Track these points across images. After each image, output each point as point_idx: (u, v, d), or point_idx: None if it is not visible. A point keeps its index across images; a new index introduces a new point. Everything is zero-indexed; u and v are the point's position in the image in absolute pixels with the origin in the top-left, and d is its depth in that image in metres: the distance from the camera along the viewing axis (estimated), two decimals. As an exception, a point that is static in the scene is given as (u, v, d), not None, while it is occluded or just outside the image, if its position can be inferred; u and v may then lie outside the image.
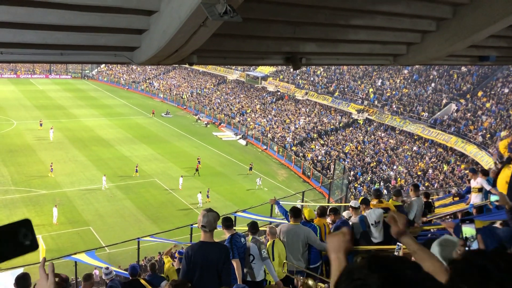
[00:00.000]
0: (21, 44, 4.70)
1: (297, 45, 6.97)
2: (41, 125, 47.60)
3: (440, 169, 36.07)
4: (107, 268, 7.95)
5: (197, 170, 37.51)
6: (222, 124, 57.17)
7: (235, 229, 6.12)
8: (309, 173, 40.02)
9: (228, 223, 5.79)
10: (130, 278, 7.60)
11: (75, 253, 15.05)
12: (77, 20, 4.29)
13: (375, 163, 39.20)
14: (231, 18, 4.37)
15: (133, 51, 5.68)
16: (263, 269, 5.95)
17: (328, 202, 26.13)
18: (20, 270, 12.56)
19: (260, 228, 10.70)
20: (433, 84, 46.33)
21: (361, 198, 8.31)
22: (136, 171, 35.49)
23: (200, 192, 32.09)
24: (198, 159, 38.75)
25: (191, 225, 18.99)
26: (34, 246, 1.66)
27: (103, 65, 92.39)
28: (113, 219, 28.49)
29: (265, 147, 47.92)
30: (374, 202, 7.76)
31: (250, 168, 38.93)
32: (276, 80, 62.25)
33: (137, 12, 4.77)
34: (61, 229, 26.55)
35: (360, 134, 45.13)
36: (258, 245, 5.95)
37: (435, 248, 2.71)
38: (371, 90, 49.88)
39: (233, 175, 38.75)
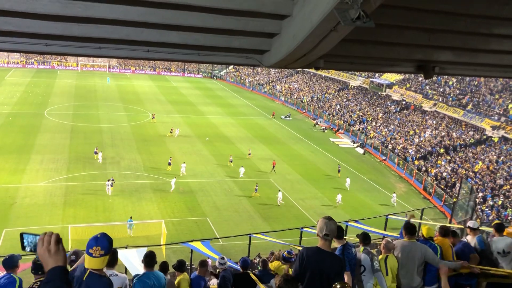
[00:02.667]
0: (165, 44, 5.15)
1: (431, 53, 6.59)
2: (153, 117, 52.09)
3: None
4: (222, 258, 8.32)
5: (273, 167, 38.46)
6: (340, 131, 56.39)
7: (345, 239, 6.01)
8: (431, 190, 37.53)
9: (341, 233, 5.69)
10: (241, 270, 7.86)
11: (191, 241, 16.07)
12: (215, 23, 4.58)
13: (509, 186, 35.31)
14: (363, 23, 4.29)
15: (263, 54, 5.88)
16: (372, 282, 5.74)
17: (450, 223, 24.23)
18: (144, 249, 13.80)
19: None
20: None
21: (496, 221, 7.51)
22: (256, 190, 33.65)
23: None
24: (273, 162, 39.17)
25: (302, 228, 19.06)
26: None
27: (231, 67, 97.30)
28: (228, 213, 29.81)
29: (384, 158, 46.11)
30: (511, 229, 6.99)
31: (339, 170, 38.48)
32: (402, 89, 59.53)
33: (271, 16, 4.93)
34: (181, 217, 28.52)
35: (493, 153, 41.02)
36: (371, 256, 5.75)
37: None
38: (510, 106, 45.07)
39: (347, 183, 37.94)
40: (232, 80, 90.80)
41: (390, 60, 7.11)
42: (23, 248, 2.42)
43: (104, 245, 3.19)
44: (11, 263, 6.30)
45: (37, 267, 6.15)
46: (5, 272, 6.24)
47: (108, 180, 30.88)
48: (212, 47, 5.37)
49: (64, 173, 33.55)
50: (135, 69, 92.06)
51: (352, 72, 70.07)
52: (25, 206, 27.75)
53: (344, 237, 6.23)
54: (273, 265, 9.12)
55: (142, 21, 4.34)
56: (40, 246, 2.11)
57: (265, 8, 4.62)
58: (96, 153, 37.32)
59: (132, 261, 13.55)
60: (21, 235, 2.44)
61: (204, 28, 4.87)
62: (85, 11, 4.13)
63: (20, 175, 32.32)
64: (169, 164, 36.31)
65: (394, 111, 57.36)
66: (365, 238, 6.39)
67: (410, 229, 6.31)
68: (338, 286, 3.73)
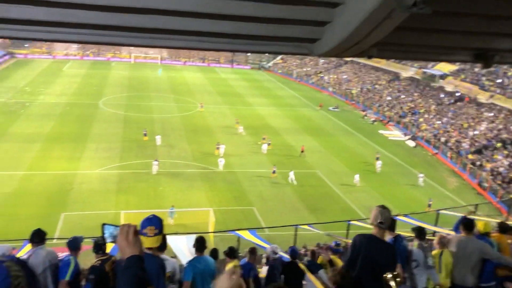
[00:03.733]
0: (216, 34, 5.20)
1: (491, 41, 6.26)
2: (201, 107, 53.30)
3: None
4: (276, 247, 8.40)
5: (302, 151, 39.02)
6: (390, 123, 54.97)
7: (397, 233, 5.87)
8: (485, 185, 35.93)
9: (393, 225, 5.58)
10: (290, 259, 7.90)
11: (238, 229, 16.32)
12: (267, 12, 4.58)
13: None
14: (420, 10, 4.15)
15: (314, 42, 5.81)
16: (425, 277, 5.59)
17: (507, 221, 23.12)
18: (193, 236, 14.14)
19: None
20: None
21: None
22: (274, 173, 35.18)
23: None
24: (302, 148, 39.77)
25: (348, 221, 18.86)
26: None
27: (278, 58, 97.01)
28: (274, 203, 29.94)
29: (436, 151, 44.55)
30: None
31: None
32: (457, 80, 57.12)
33: (323, 4, 4.86)
34: (228, 206, 28.94)
35: (556, 148, 38.66)
36: (425, 252, 5.60)
37: None
38: None
39: (397, 177, 37.05)
40: (279, 71, 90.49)
41: (446, 49, 6.83)
42: (103, 238, 2.58)
43: (158, 224, 3.37)
44: (74, 244, 6.68)
45: (97, 247, 6.49)
46: (67, 253, 6.62)
47: (155, 160, 32.93)
48: (263, 36, 5.37)
49: (118, 161, 34.87)
50: (186, 61, 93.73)
51: (404, 62, 67.97)
52: (82, 192, 29.13)
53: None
54: (320, 258, 9.10)
55: (195, 11, 4.41)
56: (120, 236, 2.25)
57: (318, -5, 4.56)
58: (145, 135, 39.94)
59: (181, 247, 13.92)
60: (103, 225, 2.60)
61: (256, 17, 4.88)
62: (139, 2, 4.25)
63: (76, 163, 33.92)
64: (217, 148, 37.71)
65: (447, 103, 55.18)
66: (420, 232, 6.22)
67: (468, 225, 6.05)
68: (389, 276, 3.66)
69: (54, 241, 19.85)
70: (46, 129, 41.41)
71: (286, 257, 9.96)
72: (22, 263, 1.60)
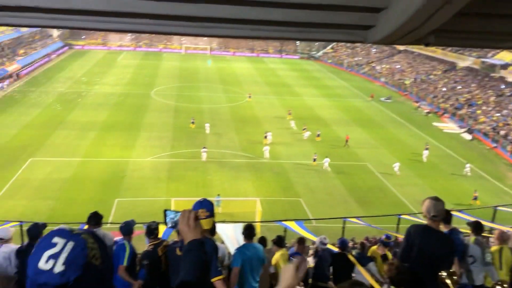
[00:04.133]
0: (267, 22, 5.14)
1: None
2: (249, 97, 53.84)
3: None
4: (325, 239, 8.34)
5: (347, 141, 38.83)
6: (445, 115, 52.86)
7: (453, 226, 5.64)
8: (548, 182, 33.90)
9: (448, 217, 5.35)
10: (339, 251, 7.80)
11: (285, 220, 16.29)
12: (320, -1, 4.46)
13: None
14: (484, -7, 3.92)
15: (368, 29, 5.64)
16: (483, 274, 5.33)
17: None
18: (240, 225, 14.29)
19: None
20: None
21: None
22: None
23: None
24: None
25: (399, 215, 18.36)
26: None
27: (329, 47, 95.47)
28: (322, 195, 29.69)
29: (494, 145, 42.43)
30: None
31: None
32: (519, 70, 53.96)
33: (379, -11, 4.69)
34: (275, 196, 29.01)
35: None
36: (482, 248, 5.34)
37: None
38: None
39: (451, 170, 35.65)
40: (329, 61, 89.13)
41: (511, 35, 6.42)
42: (165, 223, 2.67)
43: (209, 207, 3.48)
44: (127, 229, 6.91)
45: (150, 231, 6.69)
46: (121, 237, 6.86)
47: (204, 148, 34.06)
48: (314, 24, 5.25)
49: (168, 149, 35.79)
50: (235, 51, 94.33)
51: (461, 51, 64.94)
52: (134, 179, 30.17)
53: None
54: (370, 250, 8.93)
55: (247, -1, 4.37)
56: (181, 221, 2.32)
57: (373, -19, 4.39)
58: (193, 122, 41.56)
59: (228, 235, 14.13)
60: (164, 211, 2.68)
61: (307, 4, 4.78)
62: (194, -10, 4.25)
63: (129, 151, 35.13)
64: (265, 137, 38.24)
65: (508, 94, 52.29)
66: (477, 227, 5.93)
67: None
68: (445, 274, 3.49)
69: (108, 225, 20.71)
70: (101, 118, 43.13)
71: (334, 249, 9.86)
72: (96, 237, 1.66)
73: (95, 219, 6.67)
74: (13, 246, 6.77)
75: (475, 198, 29.80)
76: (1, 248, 6.55)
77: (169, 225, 2.66)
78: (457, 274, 3.59)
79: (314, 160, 34.24)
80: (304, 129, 41.46)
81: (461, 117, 50.30)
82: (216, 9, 5.04)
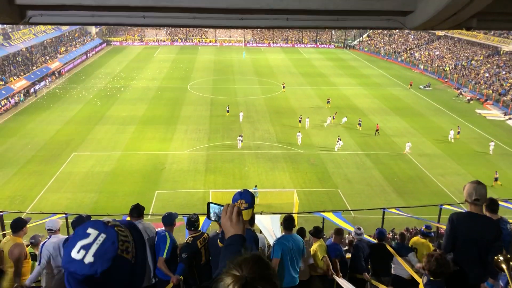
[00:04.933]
0: (304, 11, 5.10)
1: None
2: (283, 87, 54.20)
3: None
4: (359, 228, 8.26)
5: (377, 130, 38.93)
6: (488, 101, 50.88)
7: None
8: None
9: (495, 206, 5.18)
10: (377, 241, 7.69)
11: (323, 211, 16.19)
12: (357, -15, 4.39)
13: None
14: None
15: (406, 15, 5.50)
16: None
17: None
18: (278, 216, 14.32)
19: None
20: None
21: None
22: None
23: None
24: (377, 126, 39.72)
25: (441, 205, 17.89)
26: None
27: (365, 35, 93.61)
28: (360, 186, 29.30)
29: (542, 131, 40.56)
30: None
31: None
32: None
33: (418, -27, 4.57)
34: (313, 187, 28.86)
35: None
36: (531, 238, 5.14)
37: None
38: None
39: (496, 159, 34.35)
40: (366, 49, 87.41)
41: (561, 16, 6.09)
42: (209, 217, 2.70)
43: (248, 198, 3.48)
44: (169, 220, 7.04)
45: (190, 224, 6.80)
46: (163, 228, 7.01)
47: (240, 136, 35.46)
48: (351, 11, 5.17)
49: (206, 142, 36.23)
50: (269, 43, 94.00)
51: (505, 35, 62.16)
52: (173, 171, 30.74)
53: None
54: (412, 240, 8.76)
55: (283, -12, 4.35)
56: (224, 215, 2.34)
57: (412, -36, 4.27)
58: (228, 111, 43.28)
59: (266, 226, 14.18)
60: (208, 204, 2.71)
61: (344, -9, 4.71)
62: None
63: (168, 143, 35.79)
64: (300, 121, 40.42)
65: (557, 78, 49.77)
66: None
67: None
68: (502, 258, 3.35)
69: (149, 217, 21.24)
70: (140, 112, 44.10)
71: (373, 240, 9.74)
72: (134, 230, 1.67)
73: (137, 211, 6.81)
74: (62, 236, 7.06)
75: (496, 179, 29.66)
76: (51, 238, 6.84)
77: (213, 218, 2.69)
78: None
79: (339, 141, 35.40)
80: (333, 117, 42.26)
81: (506, 103, 48.28)
82: (252, 1, 5.05)
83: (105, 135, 37.60)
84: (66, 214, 13.41)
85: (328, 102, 47.38)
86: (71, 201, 26.49)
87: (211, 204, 2.68)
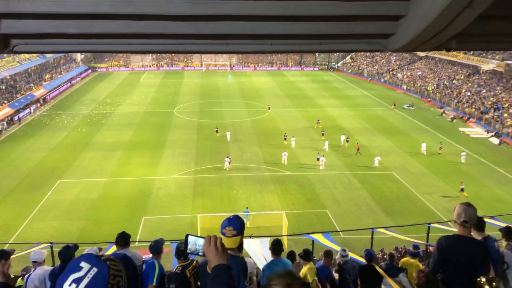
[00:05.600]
0: (287, 36, 5.19)
1: None
2: (269, 109, 54.91)
3: None
4: (344, 250, 8.22)
5: (358, 150, 39.24)
6: (471, 119, 51.81)
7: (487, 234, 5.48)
8: None
9: (482, 224, 5.22)
10: (366, 263, 7.66)
11: (312, 233, 16.14)
12: (338, 10, 4.49)
13: None
14: (505, -5, 3.87)
15: (388, 38, 5.63)
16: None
17: None
18: (267, 239, 14.23)
19: None
20: None
21: None
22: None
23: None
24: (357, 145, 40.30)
25: (429, 224, 17.97)
26: None
27: (348, 57, 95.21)
28: (348, 206, 29.33)
29: (524, 148, 41.32)
30: None
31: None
32: (546, 70, 52.58)
33: (397, -3, 4.69)
34: (301, 209, 28.80)
35: None
36: (516, 253, 5.17)
37: None
38: None
39: (481, 176, 34.80)
40: (349, 71, 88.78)
41: (536, 36, 6.30)
42: (186, 248, 2.61)
43: (236, 225, 3.41)
44: (156, 248, 6.94)
45: (179, 253, 6.69)
46: (150, 256, 6.89)
47: (227, 157, 35.60)
48: (334, 35, 5.28)
49: (193, 166, 36.07)
50: (255, 66, 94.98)
51: (484, 54, 63.78)
52: (160, 197, 30.45)
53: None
54: (402, 261, 8.74)
55: (267, 14, 4.43)
56: (207, 246, 2.31)
57: (391, -11, 4.40)
58: (217, 131, 44.58)
59: (255, 250, 14.05)
60: (186, 236, 2.64)
61: (327, 16, 4.81)
62: (214, 9, 4.34)
63: (155, 168, 35.54)
64: (285, 139, 41.78)
65: (536, 95, 50.99)
66: (508, 232, 5.78)
67: None
68: (484, 280, 3.38)
69: (136, 243, 20.91)
70: (126, 138, 43.87)
71: (362, 261, 9.69)
72: (127, 262, 1.69)
73: (123, 239, 6.70)
74: (47, 268, 6.89)
75: (462, 190, 30.85)
76: (36, 270, 6.68)
77: (189, 249, 2.59)
78: (496, 280, 3.47)
79: (318, 159, 36.06)
80: (323, 134, 43.75)
81: (488, 121, 49.20)
82: (237, 26, 5.12)
83: (91, 162, 37.22)
84: (51, 243, 13.14)
85: (318, 122, 48.03)
86: (56, 229, 25.99)
87: (189, 236, 2.60)
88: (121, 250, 6.76)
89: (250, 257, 13.21)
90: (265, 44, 5.33)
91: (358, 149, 39.21)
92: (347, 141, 41.34)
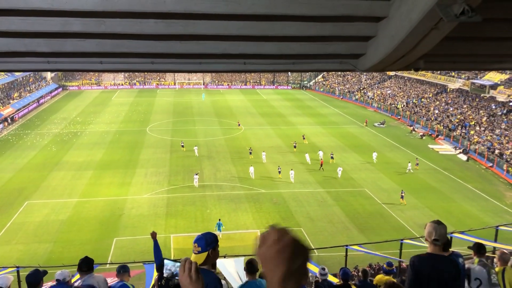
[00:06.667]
0: (261, 55, 5.25)
1: (547, 46, 5.98)
2: (239, 125, 56.33)
3: None
4: (323, 269, 8.22)
5: (321, 165, 39.93)
6: (440, 137, 53.22)
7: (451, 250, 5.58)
8: (547, 199, 33.86)
9: (447, 245, 5.31)
10: (341, 282, 7.68)
11: (288, 251, 16.07)
12: (310, 31, 4.58)
13: None
14: (469, 18, 4.03)
15: (358, 58, 5.76)
16: (490, 296, 5.26)
17: None
18: (242, 259, 14.11)
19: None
20: None
21: None
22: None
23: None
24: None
25: (401, 240, 18.20)
26: None
27: (320, 76, 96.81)
28: (322, 224, 29.44)
29: (490, 164, 42.58)
30: None
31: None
32: (510, 89, 54.69)
33: (366, 19, 4.82)
34: (276, 227, 28.66)
35: None
36: (488, 269, 5.28)
37: None
38: None
39: (450, 192, 35.62)
40: (321, 90, 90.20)
41: (497, 57, 6.57)
42: (160, 270, 2.56)
43: (201, 243, 3.57)
44: (123, 270, 6.78)
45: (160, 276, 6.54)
46: (118, 280, 6.72)
47: (196, 174, 35.78)
48: (306, 55, 5.37)
49: (166, 185, 35.61)
50: (230, 85, 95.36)
51: (450, 74, 66.03)
52: (132, 217, 29.86)
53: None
54: (376, 278, 8.80)
55: (240, 34, 4.47)
56: (182, 273, 2.26)
57: (360, 11, 4.52)
58: (182, 146, 45.47)
59: (230, 270, 13.88)
60: (162, 260, 2.60)
61: (299, 36, 4.90)
62: (186, 28, 4.36)
63: (126, 188, 34.91)
64: (250, 153, 42.75)
65: (500, 113, 52.88)
66: (479, 248, 5.90)
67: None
68: None
69: (107, 266, 20.35)
70: (97, 157, 43.04)
71: (335, 282, 9.70)
72: None
73: (86, 265, 6.48)
74: (12, 293, 6.62)
75: (402, 197, 32.83)
76: (0, 296, 6.40)
77: (165, 274, 2.52)
78: None
79: (279, 172, 37.33)
80: (295, 146, 45.75)
81: (456, 138, 50.63)
82: (210, 46, 5.15)
83: (60, 182, 36.28)
84: (18, 267, 12.68)
85: (303, 138, 49.68)
86: (23, 253, 25.07)
87: (164, 260, 2.55)
88: (85, 276, 6.54)
89: (224, 279, 13.06)
90: (238, 64, 5.37)
91: (321, 165, 39.68)
92: (332, 157, 42.30)
